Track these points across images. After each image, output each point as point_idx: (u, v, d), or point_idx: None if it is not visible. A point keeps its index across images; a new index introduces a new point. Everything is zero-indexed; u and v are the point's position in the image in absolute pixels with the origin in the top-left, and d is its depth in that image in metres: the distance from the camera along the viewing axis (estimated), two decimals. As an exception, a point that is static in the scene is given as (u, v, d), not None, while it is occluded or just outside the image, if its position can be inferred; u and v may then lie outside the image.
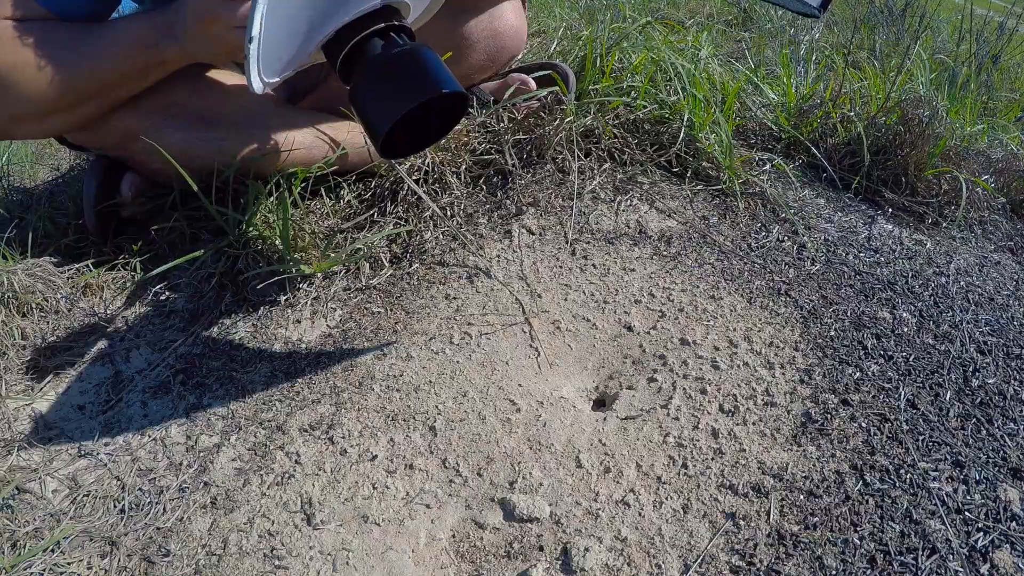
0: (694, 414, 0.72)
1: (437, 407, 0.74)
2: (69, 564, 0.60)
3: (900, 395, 0.75)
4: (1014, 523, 0.62)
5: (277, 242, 0.89)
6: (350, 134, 1.00)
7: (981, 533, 0.61)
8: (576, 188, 1.02)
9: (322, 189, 1.01)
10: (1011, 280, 0.96)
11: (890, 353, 0.80)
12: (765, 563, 0.59)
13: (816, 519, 0.62)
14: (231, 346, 0.83)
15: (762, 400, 0.74)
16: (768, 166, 1.12)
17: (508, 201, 1.00)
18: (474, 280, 0.90)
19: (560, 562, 0.60)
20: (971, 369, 0.78)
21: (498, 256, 0.93)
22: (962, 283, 0.93)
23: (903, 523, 0.62)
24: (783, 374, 0.77)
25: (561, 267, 0.92)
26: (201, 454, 0.70)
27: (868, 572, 0.58)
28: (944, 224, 1.07)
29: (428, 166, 1.00)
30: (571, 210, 1.00)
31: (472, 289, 0.89)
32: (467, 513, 0.65)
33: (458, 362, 0.79)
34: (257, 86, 0.66)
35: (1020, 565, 0.59)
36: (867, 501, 0.64)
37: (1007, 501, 0.64)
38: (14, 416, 0.74)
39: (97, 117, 0.84)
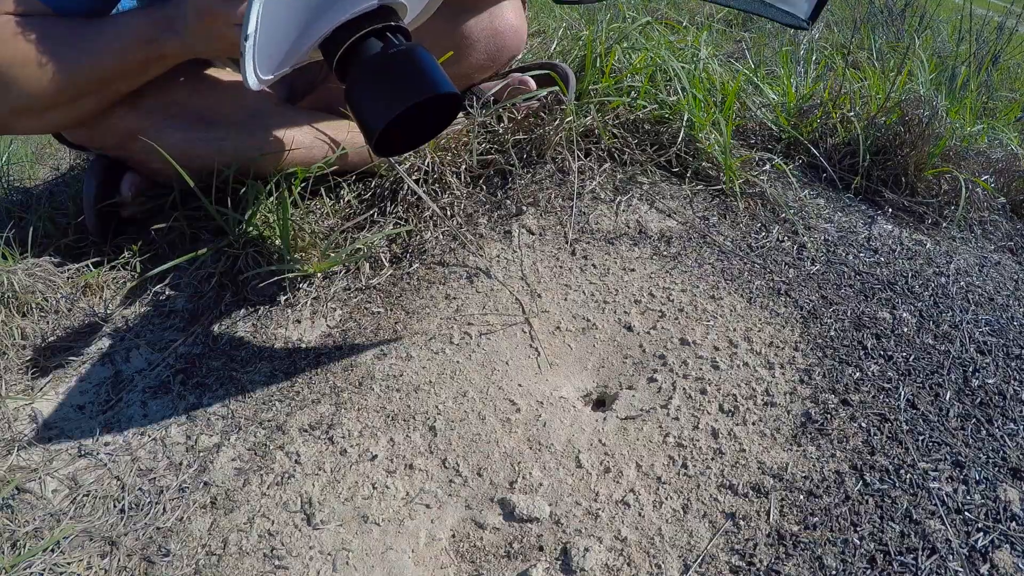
0: (694, 414, 0.72)
1: (437, 407, 0.74)
2: (69, 564, 0.60)
3: (900, 395, 0.75)
4: (1014, 523, 0.62)
5: (277, 242, 0.89)
6: (350, 134, 1.00)
7: (981, 533, 0.61)
8: (576, 188, 1.02)
9: (322, 189, 1.01)
10: (1011, 280, 0.96)
11: (890, 353, 0.80)
12: (765, 563, 0.59)
13: (816, 519, 0.62)
14: (231, 346, 0.83)
15: (762, 400, 0.74)
16: (768, 166, 1.12)
17: (508, 201, 1.00)
18: (474, 280, 0.90)
19: (560, 562, 0.60)
20: (971, 369, 0.78)
21: (498, 256, 0.93)
22: (962, 283, 0.93)
23: (903, 523, 0.62)
24: (783, 374, 0.77)
25: (561, 267, 0.92)
26: (201, 454, 0.70)
27: (868, 572, 0.58)
28: (944, 224, 1.07)
29: (428, 166, 1.00)
30: (571, 210, 1.00)
31: (472, 289, 0.89)
32: (467, 513, 0.65)
33: (458, 362, 0.79)
34: (253, 83, 0.67)
35: (1020, 565, 0.59)
36: (867, 501, 0.64)
37: (1007, 501, 0.64)
38: (14, 416, 0.74)
39: (97, 112, 0.84)
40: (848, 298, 0.88)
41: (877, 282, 0.92)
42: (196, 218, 0.97)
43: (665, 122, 1.12)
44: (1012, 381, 0.77)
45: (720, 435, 0.70)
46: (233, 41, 0.75)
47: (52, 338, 0.84)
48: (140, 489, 0.67)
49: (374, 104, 0.64)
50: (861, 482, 0.66)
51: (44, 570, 0.59)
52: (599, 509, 0.64)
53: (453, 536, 0.63)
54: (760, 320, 0.84)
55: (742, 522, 0.62)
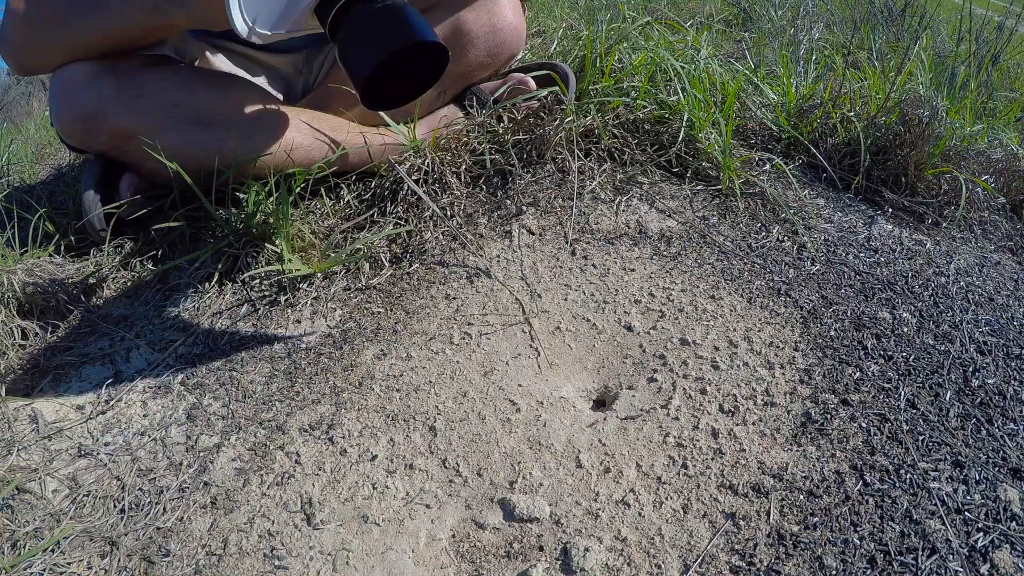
0: (694, 414, 0.72)
1: (437, 407, 0.74)
2: (69, 564, 0.60)
3: (900, 395, 0.75)
4: (1014, 523, 0.62)
5: (277, 242, 0.89)
6: (350, 134, 1.00)
7: (981, 533, 0.61)
8: (576, 188, 1.02)
9: (322, 189, 1.02)
10: (1011, 280, 0.96)
11: (890, 353, 0.80)
12: (765, 563, 0.59)
13: (816, 519, 0.62)
14: (231, 346, 0.83)
15: (762, 400, 0.74)
16: (768, 166, 1.12)
17: (508, 201, 1.00)
18: (474, 280, 0.90)
19: (560, 562, 0.60)
20: (971, 369, 0.78)
21: (498, 256, 0.93)
22: (962, 283, 0.93)
23: (903, 523, 0.62)
24: (783, 374, 0.77)
25: (561, 267, 0.92)
26: (201, 454, 0.70)
27: (868, 572, 0.58)
28: (944, 224, 1.07)
29: (428, 166, 1.00)
30: (571, 210, 1.00)
31: (472, 289, 0.89)
32: (467, 513, 0.65)
33: (458, 362, 0.79)
34: (240, 26, 0.70)
35: (1020, 565, 0.59)
36: (867, 501, 0.64)
37: (1007, 501, 0.64)
38: (14, 416, 0.74)
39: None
40: (848, 298, 0.88)
41: (877, 282, 0.92)
42: (196, 218, 0.97)
43: (665, 122, 1.12)
44: (1012, 381, 0.77)
45: (720, 435, 0.70)
46: None
47: (52, 338, 0.84)
48: (140, 489, 0.67)
49: (360, 55, 0.67)
50: (861, 482, 0.65)
51: (44, 570, 0.59)
52: (599, 509, 0.64)
53: (453, 536, 0.63)
54: (760, 320, 0.84)
55: (742, 522, 0.62)
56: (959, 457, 0.68)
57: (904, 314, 0.86)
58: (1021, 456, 0.68)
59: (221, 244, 0.92)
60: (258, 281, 0.90)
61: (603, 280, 0.90)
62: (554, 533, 0.62)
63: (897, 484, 0.65)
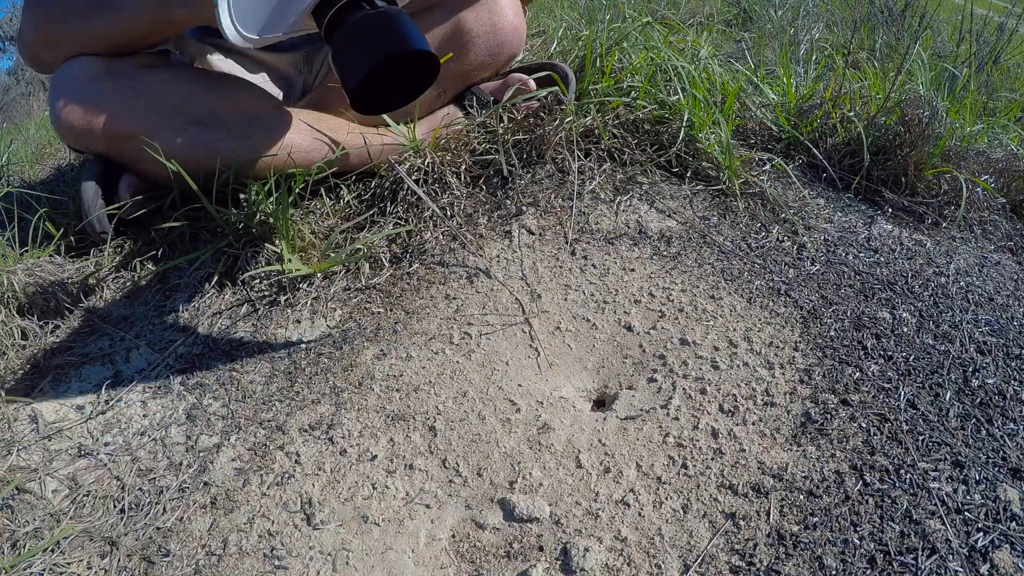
0: (694, 414, 0.72)
1: (437, 407, 0.74)
2: (69, 564, 0.60)
3: (900, 395, 0.75)
4: (1014, 523, 0.62)
5: (277, 242, 0.89)
6: (349, 135, 1.00)
7: (981, 533, 0.61)
8: (576, 188, 1.02)
9: (322, 189, 1.02)
10: (1011, 280, 0.96)
11: (890, 353, 0.80)
12: (765, 563, 0.59)
13: (816, 519, 0.62)
14: (231, 346, 0.83)
15: (762, 400, 0.74)
16: (768, 166, 1.12)
17: (508, 201, 1.00)
18: (474, 280, 0.90)
19: (560, 562, 0.60)
20: (971, 369, 0.78)
21: (498, 256, 0.93)
22: (962, 283, 0.93)
23: (903, 523, 0.62)
24: (783, 374, 0.77)
25: (561, 267, 0.92)
26: (201, 454, 0.70)
27: (868, 572, 0.58)
28: (944, 224, 1.07)
29: (428, 166, 1.00)
30: (571, 210, 1.00)
31: (472, 289, 0.89)
32: (467, 513, 0.65)
33: (458, 362, 0.79)
34: (231, 33, 0.70)
35: (1020, 565, 0.59)
36: (867, 501, 0.64)
37: (1007, 501, 0.64)
38: (14, 416, 0.74)
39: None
40: (848, 298, 0.88)
41: (877, 282, 0.92)
42: (196, 218, 0.97)
43: (665, 122, 1.12)
44: (1012, 381, 0.77)
45: (720, 435, 0.70)
46: None
47: (52, 338, 0.84)
48: (140, 489, 0.67)
49: (350, 61, 0.67)
50: (861, 482, 0.65)
51: (44, 570, 0.59)
52: (599, 509, 0.64)
53: (453, 536, 0.63)
54: (760, 320, 0.84)
55: (742, 522, 0.62)
56: (959, 457, 0.68)
57: (904, 314, 0.86)
58: (1021, 456, 0.68)
59: (221, 244, 0.92)
60: (258, 281, 0.90)
61: (603, 280, 0.90)
62: (554, 533, 0.62)
63: (897, 484, 0.65)
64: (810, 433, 0.70)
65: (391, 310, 0.87)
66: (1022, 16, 1.83)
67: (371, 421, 0.73)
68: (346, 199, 1.01)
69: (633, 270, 0.91)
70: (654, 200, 1.03)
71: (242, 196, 0.92)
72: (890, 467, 0.67)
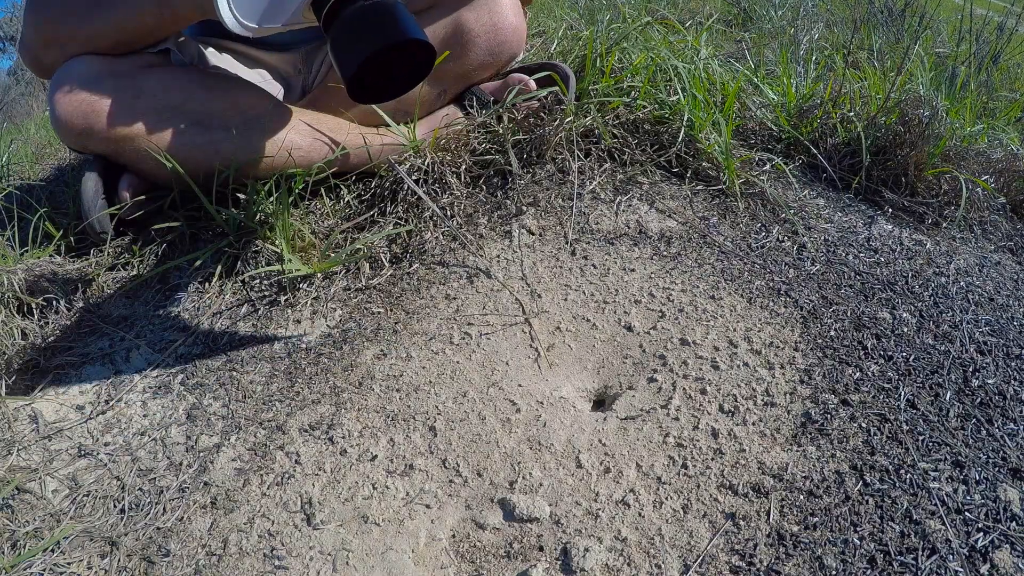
0: (694, 414, 0.72)
1: (437, 407, 0.74)
2: (69, 564, 0.60)
3: (900, 395, 0.75)
4: (1014, 523, 0.62)
5: (277, 242, 0.89)
6: (349, 135, 1.00)
7: (981, 533, 0.61)
8: (576, 188, 1.02)
9: (322, 189, 1.02)
10: (1011, 280, 0.96)
11: (890, 353, 0.80)
12: (765, 563, 0.59)
13: (816, 519, 0.62)
14: (231, 346, 0.83)
15: (762, 400, 0.74)
16: (768, 166, 1.12)
17: (508, 201, 1.00)
18: (474, 280, 0.90)
19: (560, 562, 0.60)
20: (971, 369, 0.78)
21: (498, 256, 0.93)
22: (962, 283, 0.93)
23: (903, 523, 0.62)
24: (783, 374, 0.77)
25: (561, 267, 0.92)
26: (201, 454, 0.70)
27: (868, 572, 0.58)
28: (944, 224, 1.07)
29: (428, 166, 1.00)
30: (571, 210, 1.00)
31: (472, 289, 0.89)
32: (467, 513, 0.65)
33: (458, 362, 0.79)
34: (228, 20, 0.72)
35: (1020, 565, 0.59)
36: (867, 501, 0.64)
37: (1007, 501, 0.64)
38: (14, 416, 0.74)
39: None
40: (848, 298, 0.88)
41: (877, 282, 0.92)
42: (196, 218, 0.97)
43: (665, 122, 1.12)
44: (1012, 381, 0.77)
45: (720, 435, 0.70)
46: None
47: (52, 338, 0.84)
48: (140, 489, 0.67)
49: (347, 50, 0.69)
50: (861, 482, 0.65)
51: (44, 570, 0.59)
52: (599, 509, 0.64)
53: (453, 536, 0.63)
54: (760, 320, 0.84)
55: (742, 522, 0.62)
56: (959, 457, 0.68)
57: (904, 314, 0.86)
58: (1021, 456, 0.68)
59: (221, 244, 0.92)
60: (258, 281, 0.90)
61: (603, 280, 0.90)
62: (554, 533, 0.62)
63: (897, 484, 0.65)
64: (810, 433, 0.70)
65: (391, 310, 0.87)
66: (1022, 16, 1.83)
67: (371, 421, 0.73)
68: (346, 199, 1.01)
69: (633, 270, 0.91)
70: (654, 200, 1.03)
71: (242, 196, 0.92)
72: (890, 467, 0.67)
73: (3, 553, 0.60)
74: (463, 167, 1.02)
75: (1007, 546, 0.60)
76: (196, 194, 0.89)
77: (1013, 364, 0.79)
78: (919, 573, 0.58)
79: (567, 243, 0.95)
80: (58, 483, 0.67)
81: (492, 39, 1.05)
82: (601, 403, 0.78)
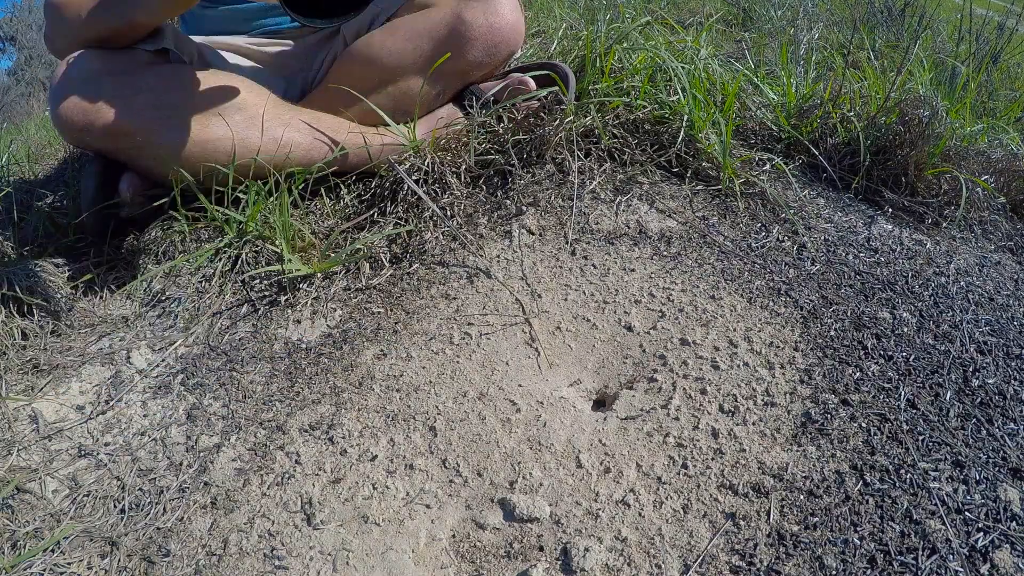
0: (694, 414, 0.72)
1: (437, 407, 0.74)
2: (69, 564, 0.60)
3: (900, 395, 0.75)
4: (1014, 523, 0.62)
5: (277, 242, 0.89)
6: (349, 134, 1.00)
7: (981, 533, 0.61)
8: (576, 188, 1.02)
9: (322, 189, 1.02)
10: (1011, 280, 0.96)
11: (890, 353, 0.80)
12: (765, 563, 0.59)
13: (816, 519, 0.62)
14: (231, 346, 0.83)
15: (762, 400, 0.74)
16: (768, 166, 1.12)
17: (508, 201, 1.00)
18: (474, 280, 0.90)
19: (560, 562, 0.60)
20: (971, 369, 0.78)
21: (498, 256, 0.93)
22: (962, 283, 0.93)
23: (903, 523, 0.62)
24: (783, 374, 0.77)
25: (561, 267, 0.92)
26: (201, 454, 0.70)
27: (868, 572, 0.58)
28: (944, 224, 1.07)
29: (428, 166, 1.00)
30: (571, 210, 1.00)
31: (472, 289, 0.89)
32: (467, 513, 0.65)
33: (458, 362, 0.79)
34: None
35: (1020, 565, 0.59)
36: (867, 501, 0.64)
37: (1007, 501, 0.64)
38: (14, 416, 0.74)
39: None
40: (848, 298, 0.88)
41: (877, 282, 0.92)
42: (196, 218, 0.97)
43: (665, 122, 1.12)
44: (1012, 381, 0.77)
45: (720, 435, 0.70)
46: None
47: (52, 338, 0.84)
48: (140, 489, 0.67)
49: None
50: (861, 482, 0.65)
51: (44, 570, 0.59)
52: (599, 509, 0.64)
53: (453, 536, 0.63)
54: (760, 320, 0.84)
55: (742, 522, 0.62)
56: (959, 457, 0.68)
57: (904, 314, 0.86)
58: (1021, 456, 0.68)
59: (221, 244, 0.92)
60: (258, 281, 0.90)
61: (603, 280, 0.90)
62: (554, 533, 0.62)
63: (897, 484, 0.65)
64: (810, 433, 0.70)
65: (391, 310, 0.87)
66: (1022, 16, 1.83)
67: (371, 421, 0.73)
68: (346, 199, 1.01)
69: (633, 270, 0.91)
70: (654, 200, 1.03)
71: (242, 196, 0.92)
72: (890, 467, 0.67)
73: (3, 553, 0.60)
74: (463, 167, 1.02)
75: (1007, 546, 0.60)
76: (196, 194, 0.89)
77: (1013, 364, 0.79)
78: (919, 573, 0.58)
79: (567, 243, 0.95)
80: (58, 483, 0.67)
81: (490, 38, 1.05)
82: (601, 403, 0.78)
